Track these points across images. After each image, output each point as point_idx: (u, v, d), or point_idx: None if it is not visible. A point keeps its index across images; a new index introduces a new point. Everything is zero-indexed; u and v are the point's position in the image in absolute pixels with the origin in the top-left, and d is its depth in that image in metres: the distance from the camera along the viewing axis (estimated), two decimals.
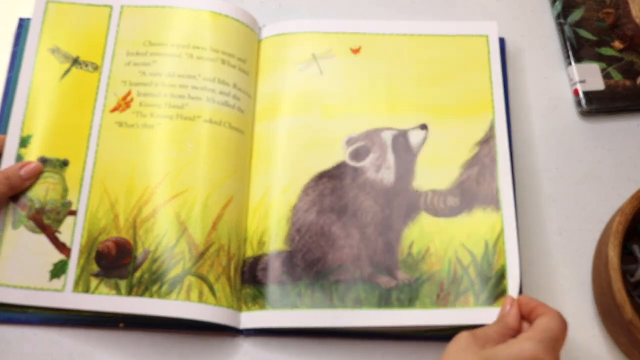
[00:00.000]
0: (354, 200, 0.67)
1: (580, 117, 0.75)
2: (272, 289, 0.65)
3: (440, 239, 0.66)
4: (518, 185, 0.71)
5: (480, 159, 0.68)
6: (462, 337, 0.55)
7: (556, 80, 0.76)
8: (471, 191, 0.67)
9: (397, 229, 0.66)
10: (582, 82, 0.74)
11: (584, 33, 0.76)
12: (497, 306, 0.62)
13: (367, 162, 0.69)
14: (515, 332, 0.58)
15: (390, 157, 0.69)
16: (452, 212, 0.67)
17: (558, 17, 0.78)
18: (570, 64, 0.75)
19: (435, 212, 0.67)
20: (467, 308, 0.63)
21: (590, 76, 0.74)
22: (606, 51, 0.75)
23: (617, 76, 0.74)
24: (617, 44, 0.76)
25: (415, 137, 0.70)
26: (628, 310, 0.60)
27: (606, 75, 0.74)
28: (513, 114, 0.74)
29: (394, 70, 0.72)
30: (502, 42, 0.75)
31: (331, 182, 0.68)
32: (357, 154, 0.69)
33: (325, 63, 0.73)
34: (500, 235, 0.65)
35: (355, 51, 0.73)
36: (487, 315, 0.61)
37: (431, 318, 0.63)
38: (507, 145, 0.69)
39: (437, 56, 0.73)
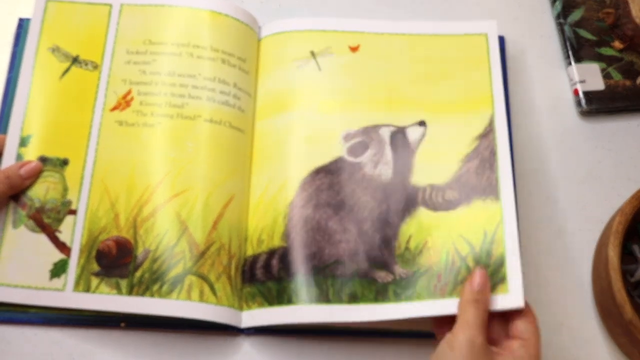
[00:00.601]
0: (351, 195, 0.67)
1: (580, 117, 0.75)
2: (270, 286, 0.64)
3: (438, 233, 0.65)
4: (518, 185, 0.71)
5: (480, 152, 0.67)
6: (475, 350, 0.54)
7: (556, 80, 0.76)
8: (470, 183, 0.66)
9: (395, 224, 0.66)
10: (582, 82, 0.74)
11: (584, 33, 0.76)
12: (494, 294, 0.60)
13: (364, 158, 0.68)
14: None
15: (388, 153, 0.68)
16: (451, 205, 0.66)
17: (558, 17, 0.78)
18: (570, 64, 0.75)
19: (434, 207, 0.66)
20: None
21: (590, 76, 0.74)
22: (606, 51, 0.76)
23: (617, 76, 0.74)
24: (617, 44, 0.76)
25: (413, 134, 0.69)
26: (628, 310, 0.60)
27: (606, 75, 0.74)
28: (513, 114, 0.74)
29: (392, 69, 0.72)
30: (502, 41, 0.75)
31: (328, 177, 0.68)
32: (355, 150, 0.69)
33: (323, 60, 0.72)
34: (499, 225, 0.63)
35: (354, 49, 0.73)
36: None
37: (428, 309, 0.62)
38: (507, 138, 0.67)
39: (436, 55, 0.72)
